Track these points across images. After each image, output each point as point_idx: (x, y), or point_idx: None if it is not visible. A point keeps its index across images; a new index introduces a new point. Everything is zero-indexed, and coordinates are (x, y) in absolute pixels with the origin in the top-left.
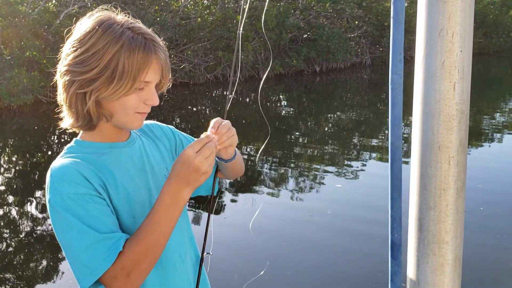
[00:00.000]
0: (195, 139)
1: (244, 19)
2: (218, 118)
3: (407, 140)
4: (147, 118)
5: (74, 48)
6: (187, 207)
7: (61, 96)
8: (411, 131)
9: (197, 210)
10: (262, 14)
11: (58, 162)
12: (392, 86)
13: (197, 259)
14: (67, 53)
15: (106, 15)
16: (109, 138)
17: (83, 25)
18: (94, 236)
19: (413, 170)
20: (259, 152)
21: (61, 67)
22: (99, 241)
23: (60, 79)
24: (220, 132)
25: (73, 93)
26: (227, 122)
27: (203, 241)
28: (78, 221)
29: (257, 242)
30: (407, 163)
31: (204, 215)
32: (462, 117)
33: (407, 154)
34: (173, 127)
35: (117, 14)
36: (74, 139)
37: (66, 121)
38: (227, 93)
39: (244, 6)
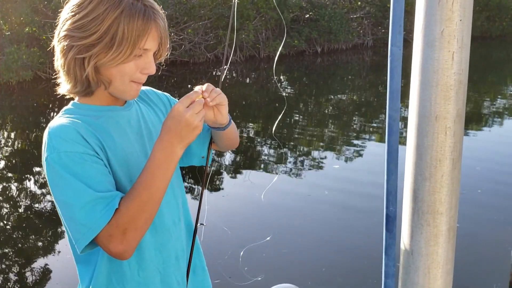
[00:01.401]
0: None
1: None
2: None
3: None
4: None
5: (73, 13)
6: (184, 177)
7: (58, 62)
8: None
9: (192, 182)
10: None
11: (56, 121)
12: (391, 58)
13: (187, 227)
14: (65, 18)
15: None
16: (106, 103)
17: None
18: (90, 194)
19: (409, 141)
20: (274, 127)
21: (60, 31)
22: (96, 199)
23: (58, 44)
24: (208, 90)
25: (71, 59)
26: (212, 86)
27: (197, 211)
28: (75, 179)
29: (258, 216)
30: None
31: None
32: (460, 87)
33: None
34: (169, 94)
35: None
36: (72, 101)
37: (64, 86)
38: (222, 65)
39: None
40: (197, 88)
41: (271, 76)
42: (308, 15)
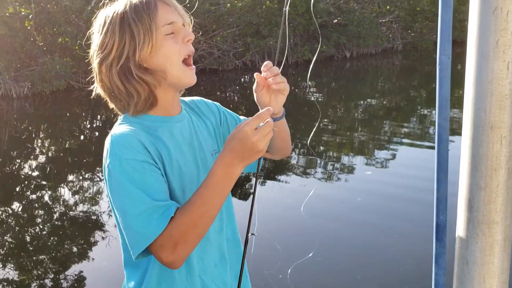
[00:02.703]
0: (240, 116)
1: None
2: (268, 61)
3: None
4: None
5: (93, 41)
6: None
7: (113, 88)
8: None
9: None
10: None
11: (118, 129)
12: (440, 67)
13: (233, 235)
14: (94, 50)
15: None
16: (161, 113)
17: (95, 23)
18: (148, 202)
19: (463, 150)
20: (310, 136)
21: (95, 64)
22: (152, 207)
23: (100, 74)
24: (273, 72)
25: (117, 77)
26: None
27: (248, 221)
28: (133, 187)
29: (302, 225)
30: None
31: (249, 196)
32: None
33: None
34: (218, 103)
35: None
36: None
37: (125, 108)
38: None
39: None
40: (262, 70)
41: (299, 82)
42: (336, 20)
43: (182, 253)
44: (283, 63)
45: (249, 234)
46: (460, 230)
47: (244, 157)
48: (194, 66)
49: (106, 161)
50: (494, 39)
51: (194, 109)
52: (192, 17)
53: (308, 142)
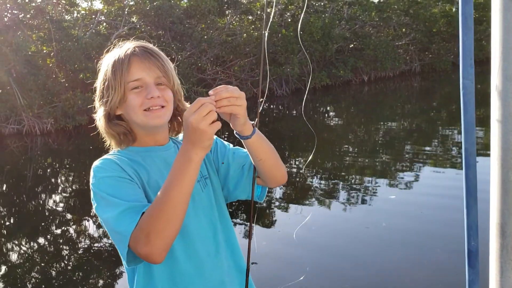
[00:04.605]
0: (230, 145)
1: (270, 22)
2: (222, 86)
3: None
4: None
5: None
6: (233, 213)
7: (102, 127)
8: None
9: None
10: (307, 26)
11: (101, 158)
12: (464, 92)
13: (236, 266)
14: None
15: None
16: (147, 144)
17: None
18: (123, 204)
19: (493, 175)
20: (307, 161)
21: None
22: (127, 208)
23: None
24: (219, 94)
25: (102, 119)
26: (233, 88)
27: (247, 251)
28: (109, 195)
29: (303, 253)
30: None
31: (247, 223)
32: None
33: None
34: (216, 136)
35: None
36: (121, 148)
37: (111, 144)
38: (258, 96)
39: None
40: (211, 91)
41: (317, 108)
42: (352, 45)
43: (156, 243)
44: (265, 92)
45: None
46: (493, 256)
47: (193, 140)
48: (161, 108)
49: (92, 187)
50: None
51: None
52: (177, 68)
53: (303, 167)
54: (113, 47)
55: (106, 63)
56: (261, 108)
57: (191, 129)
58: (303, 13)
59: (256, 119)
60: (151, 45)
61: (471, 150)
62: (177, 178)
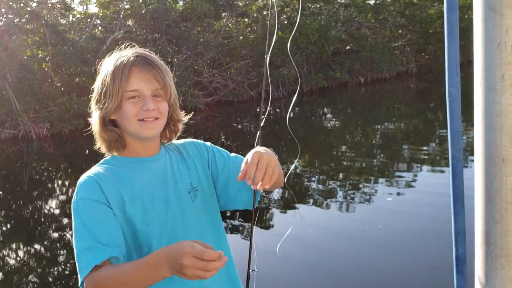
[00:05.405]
0: (230, 154)
1: (272, 46)
2: (245, 162)
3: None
4: (185, 136)
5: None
6: (230, 220)
7: (95, 130)
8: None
9: (239, 223)
10: (303, 28)
11: (87, 172)
12: (450, 99)
13: (227, 272)
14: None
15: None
16: (136, 154)
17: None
18: (88, 240)
19: (477, 184)
20: (289, 171)
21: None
22: (91, 248)
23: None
24: (250, 175)
25: (96, 121)
26: (251, 163)
27: (248, 257)
28: (82, 226)
29: (298, 254)
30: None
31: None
32: None
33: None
34: (208, 143)
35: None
36: (110, 154)
37: (101, 147)
38: (260, 115)
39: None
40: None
41: (314, 110)
42: (349, 47)
43: None
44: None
45: (250, 270)
46: (478, 264)
47: (173, 267)
48: (155, 119)
49: (73, 200)
50: (500, 73)
51: (181, 151)
52: (175, 78)
53: (286, 176)
54: (116, 50)
55: (106, 67)
56: (262, 123)
57: (179, 266)
58: (296, 26)
59: (258, 133)
60: (152, 55)
61: (458, 156)
62: (141, 276)
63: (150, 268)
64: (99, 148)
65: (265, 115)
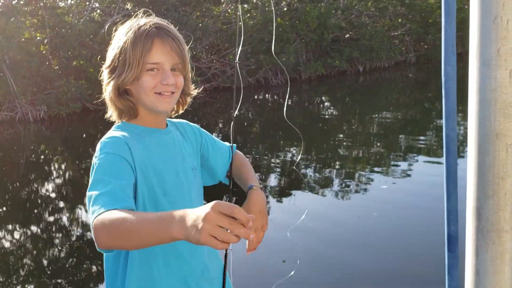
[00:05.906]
0: (220, 141)
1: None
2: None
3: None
4: (181, 117)
5: (107, 52)
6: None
7: (107, 97)
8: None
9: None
10: (303, 15)
11: (110, 134)
12: (446, 78)
13: (215, 253)
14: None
15: (131, 21)
16: (149, 124)
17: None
18: (113, 186)
19: (470, 159)
20: (297, 161)
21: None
22: (113, 193)
23: (102, 82)
24: (255, 246)
25: (111, 88)
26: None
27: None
28: (106, 173)
29: (294, 241)
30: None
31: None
32: None
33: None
34: (198, 126)
35: (149, 16)
36: (121, 121)
37: (113, 115)
38: (232, 111)
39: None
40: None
41: (312, 98)
42: (348, 35)
43: (100, 240)
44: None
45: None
46: (470, 240)
47: (186, 227)
48: (171, 94)
49: (94, 159)
50: (495, 48)
51: (180, 129)
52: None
53: (294, 165)
54: (133, 17)
55: (125, 36)
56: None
57: (195, 228)
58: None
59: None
60: (171, 27)
61: (452, 135)
62: (152, 230)
63: (163, 220)
64: (110, 116)
65: (235, 114)
